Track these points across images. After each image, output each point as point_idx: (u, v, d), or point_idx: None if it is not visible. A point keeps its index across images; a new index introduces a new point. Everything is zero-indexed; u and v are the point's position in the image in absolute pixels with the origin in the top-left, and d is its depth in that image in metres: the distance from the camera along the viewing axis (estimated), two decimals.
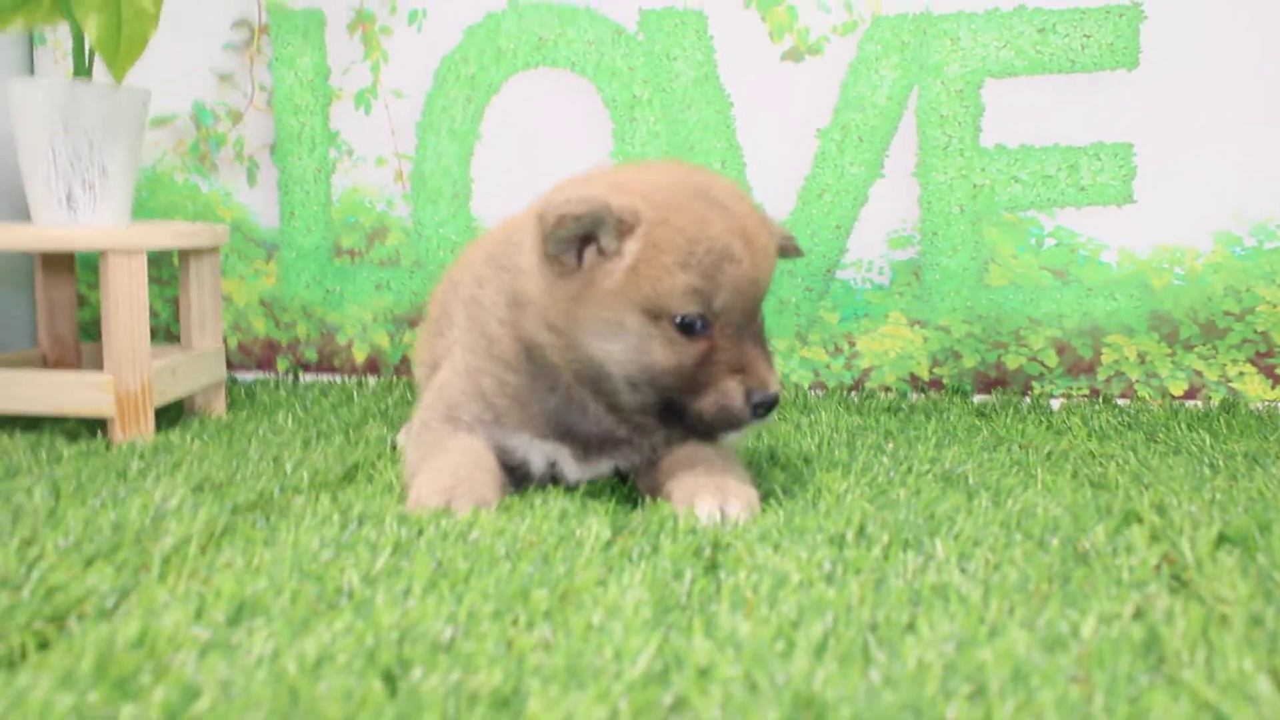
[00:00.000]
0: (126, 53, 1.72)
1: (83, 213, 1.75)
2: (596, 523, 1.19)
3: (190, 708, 0.77)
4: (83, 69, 1.77)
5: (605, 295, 1.25)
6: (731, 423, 1.26)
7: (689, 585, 1.02)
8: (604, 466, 1.41)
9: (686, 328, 1.24)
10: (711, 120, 2.11)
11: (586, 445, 1.38)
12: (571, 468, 1.39)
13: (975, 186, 2.06)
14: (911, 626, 0.93)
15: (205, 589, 1.01)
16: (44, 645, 0.93)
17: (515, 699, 0.78)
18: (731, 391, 1.25)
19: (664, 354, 1.24)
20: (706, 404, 1.26)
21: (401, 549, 1.11)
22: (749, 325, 1.28)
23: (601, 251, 1.25)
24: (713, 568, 1.08)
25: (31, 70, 2.25)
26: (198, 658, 0.86)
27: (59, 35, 2.24)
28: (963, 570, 1.05)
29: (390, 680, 0.81)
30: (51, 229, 1.71)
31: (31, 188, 1.76)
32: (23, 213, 2.19)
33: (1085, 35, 2.01)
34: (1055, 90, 2.03)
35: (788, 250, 1.39)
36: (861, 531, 1.16)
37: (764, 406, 1.26)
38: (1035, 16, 2.02)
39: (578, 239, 1.25)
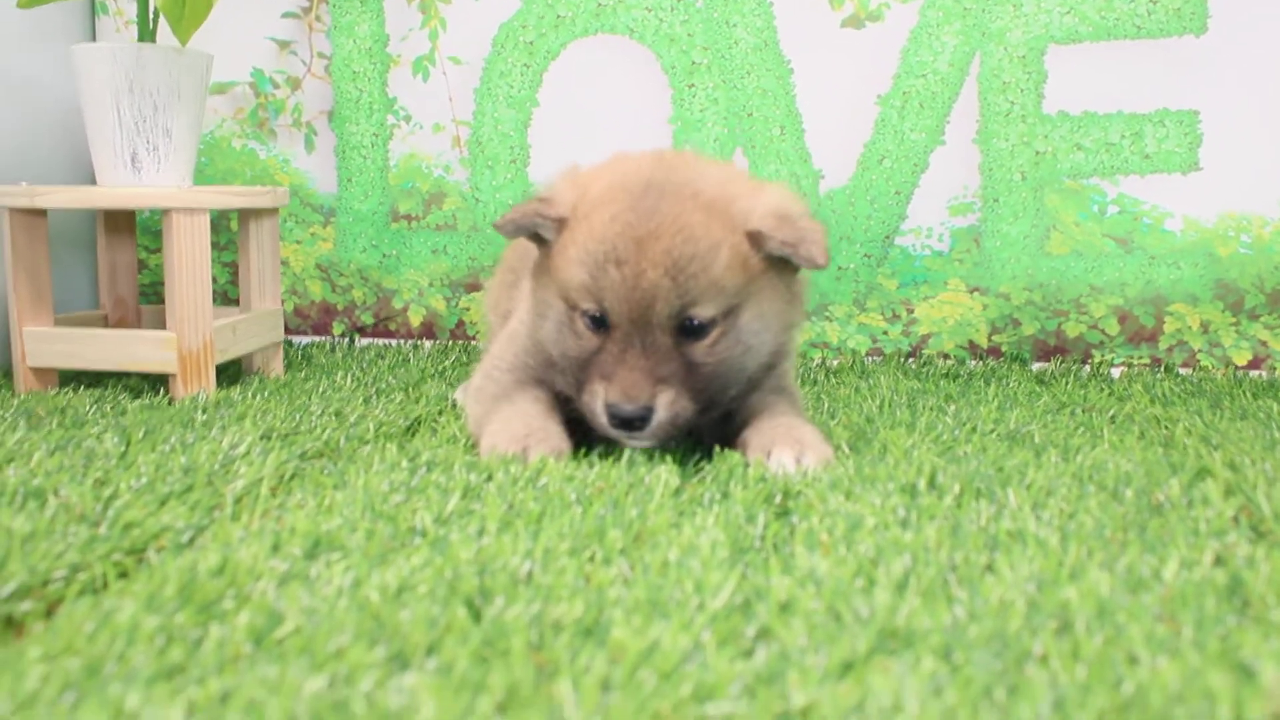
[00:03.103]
0: (191, 16, 1.73)
1: (147, 173, 1.76)
2: (665, 470, 1.19)
3: (275, 631, 0.77)
4: (147, 34, 1.79)
5: (545, 279, 1.32)
6: (599, 425, 1.26)
7: (762, 528, 1.02)
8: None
9: (593, 321, 1.27)
10: (771, 87, 2.10)
11: None
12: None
13: (1037, 153, 2.04)
14: (990, 567, 0.92)
15: (279, 527, 1.02)
16: (124, 575, 0.94)
17: (598, 628, 0.78)
18: (595, 395, 1.25)
19: (570, 342, 1.29)
20: (583, 400, 1.28)
21: (472, 492, 1.11)
22: (641, 333, 1.23)
23: (545, 241, 1.33)
24: (784, 513, 1.08)
25: (94, 39, 2.27)
26: (277, 587, 0.86)
27: (120, 4, 2.25)
28: (1037, 518, 1.04)
29: (473, 609, 0.81)
30: (117, 189, 1.73)
31: (97, 149, 1.77)
32: (86, 178, 2.21)
33: (1151, 0, 1.98)
34: (1120, 56, 2.01)
35: (787, 257, 1.26)
36: (932, 481, 1.15)
37: (618, 419, 1.23)
38: None
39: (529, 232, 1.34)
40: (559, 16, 2.14)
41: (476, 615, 0.80)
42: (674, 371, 1.23)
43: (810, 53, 2.10)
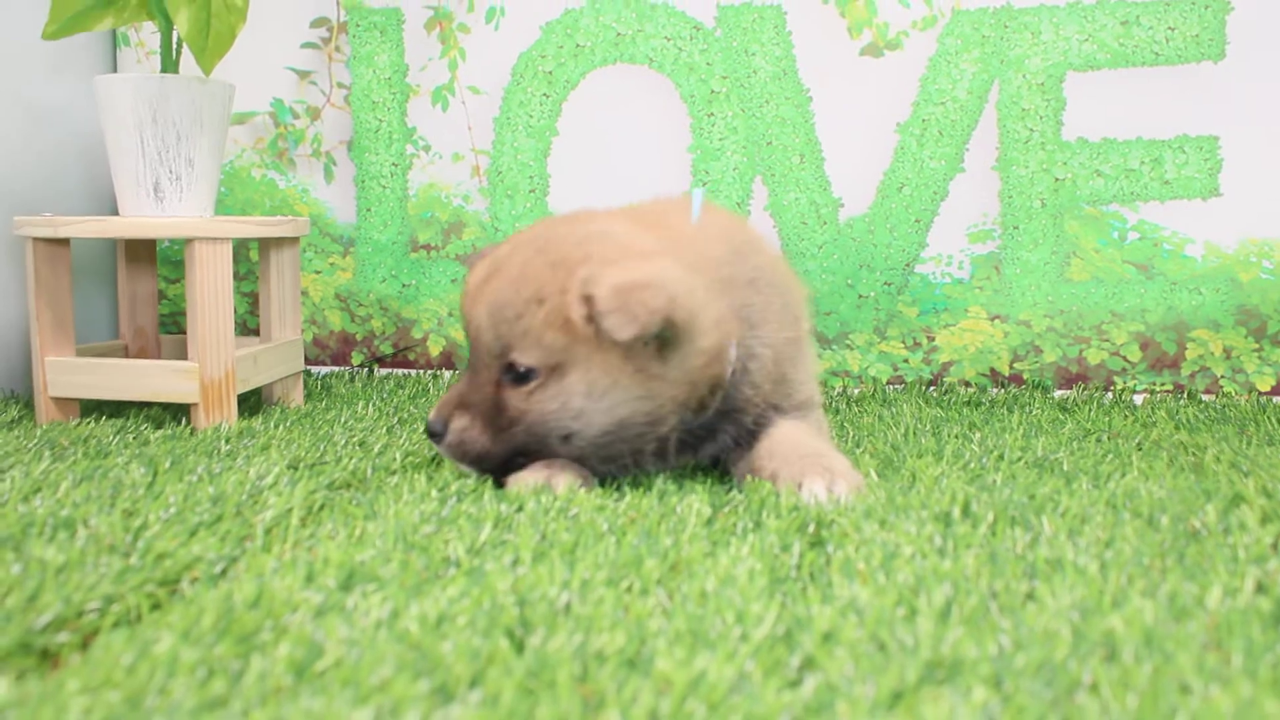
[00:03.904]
0: (215, 46, 1.74)
1: (169, 203, 1.77)
2: (696, 500, 1.18)
3: (316, 663, 0.76)
4: (170, 64, 1.79)
5: None
6: None
7: (798, 558, 1.01)
8: (685, 459, 1.40)
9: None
10: (790, 115, 2.10)
11: (677, 446, 1.38)
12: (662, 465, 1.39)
13: (1057, 180, 2.04)
14: (1032, 596, 0.91)
15: (312, 557, 1.01)
16: (157, 606, 0.94)
17: (641, 659, 0.77)
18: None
19: None
20: None
21: (503, 523, 1.11)
22: (475, 366, 1.32)
23: None
24: (819, 542, 1.07)
25: (115, 70, 2.28)
26: (314, 618, 0.86)
27: (142, 36, 2.27)
28: (1074, 545, 1.04)
29: (515, 640, 0.81)
30: (140, 219, 1.73)
31: (119, 179, 1.78)
32: (106, 208, 2.22)
33: (1170, 27, 1.98)
34: (1139, 83, 2.01)
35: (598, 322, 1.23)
36: (966, 510, 1.15)
37: (426, 430, 1.34)
38: (1118, 9, 2.00)
39: None
40: (578, 46, 2.15)
41: (519, 646, 0.79)
42: (479, 403, 1.30)
43: (829, 81, 2.10)
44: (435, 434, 1.31)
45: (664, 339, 1.23)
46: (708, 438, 1.38)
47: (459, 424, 1.30)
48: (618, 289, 1.19)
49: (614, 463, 1.31)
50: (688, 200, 1.43)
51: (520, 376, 1.26)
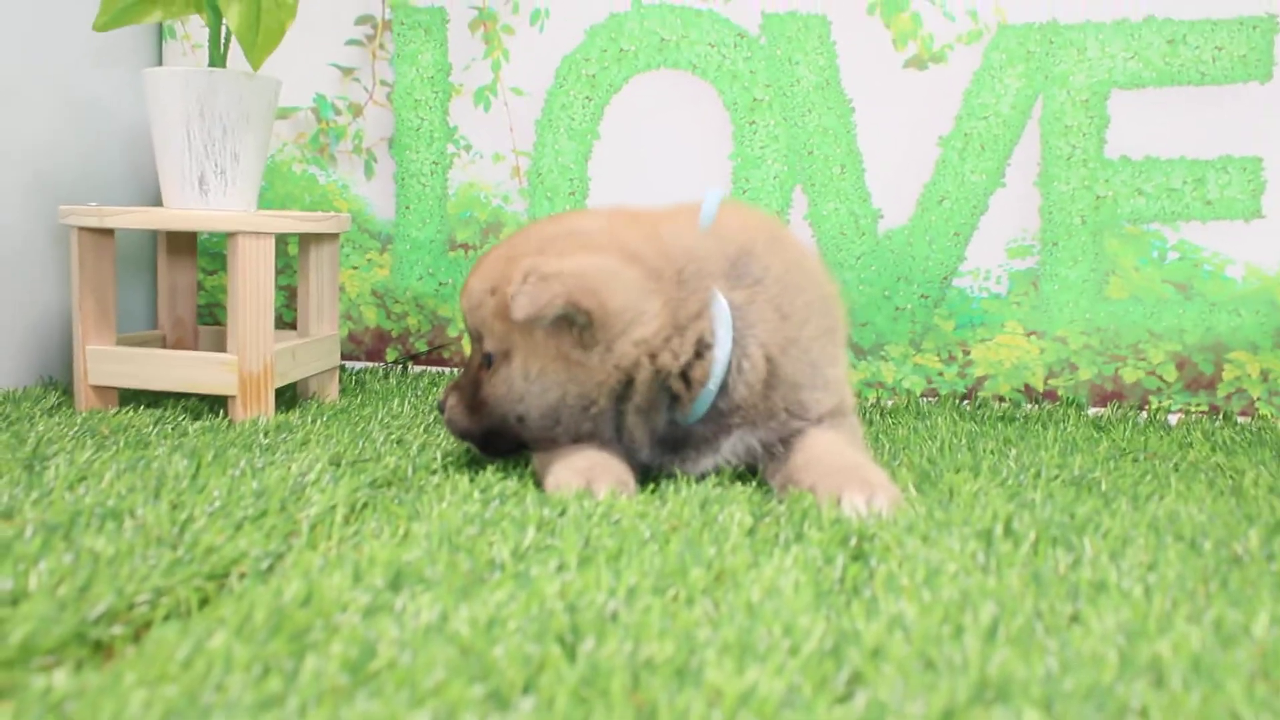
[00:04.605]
0: (264, 42, 1.75)
1: (214, 196, 1.78)
2: (738, 510, 1.19)
3: (369, 663, 0.77)
4: (218, 58, 1.81)
5: None
6: None
7: (841, 571, 1.01)
8: (705, 462, 1.41)
9: None
10: (832, 125, 2.11)
11: (673, 445, 1.40)
12: (660, 461, 1.41)
13: (1098, 198, 2.04)
14: (1077, 618, 0.91)
15: (359, 556, 1.02)
16: (206, 601, 0.95)
17: (690, 670, 0.78)
18: None
19: None
20: None
21: (546, 527, 1.11)
22: (471, 350, 1.44)
23: None
24: (860, 556, 1.07)
25: (161, 64, 2.29)
26: (364, 618, 0.87)
27: (188, 29, 2.28)
28: (1117, 568, 1.04)
29: (566, 647, 0.81)
30: (185, 211, 1.74)
31: (164, 172, 1.79)
32: (149, 199, 2.23)
33: (1217, 47, 1.98)
34: (1183, 102, 2.01)
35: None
36: (1008, 528, 1.15)
37: (438, 406, 1.48)
38: (1165, 27, 1.99)
39: None
40: (622, 50, 2.16)
41: (570, 653, 0.80)
42: (465, 385, 1.43)
43: (872, 92, 2.10)
44: (440, 409, 1.46)
45: (582, 326, 1.29)
46: (706, 443, 1.39)
47: (451, 402, 1.43)
48: (526, 275, 1.28)
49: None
50: (716, 206, 1.44)
51: (488, 361, 1.38)
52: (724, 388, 1.35)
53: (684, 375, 1.33)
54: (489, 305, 1.36)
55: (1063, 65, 2.03)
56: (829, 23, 2.10)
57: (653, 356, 1.31)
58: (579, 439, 1.36)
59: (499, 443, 1.42)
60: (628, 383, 1.32)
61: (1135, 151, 2.03)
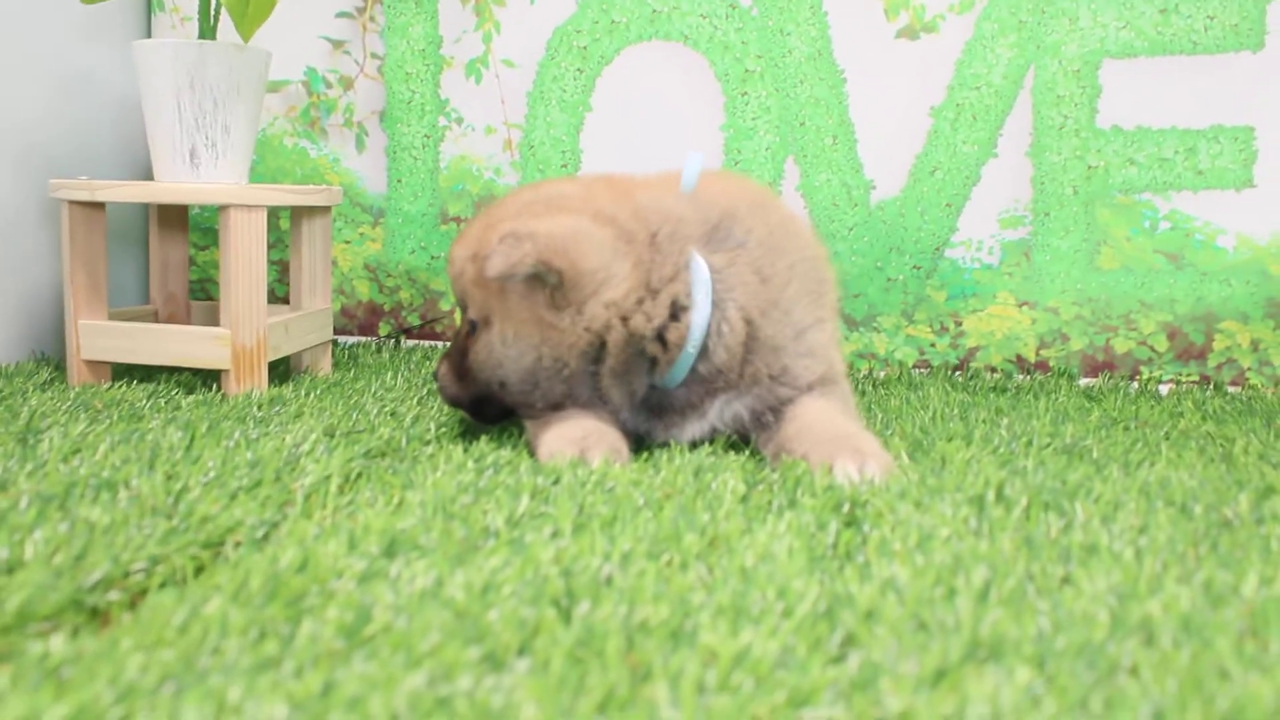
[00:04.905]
0: (255, 14, 1.74)
1: (205, 169, 1.77)
2: (731, 478, 1.19)
3: (365, 628, 0.78)
4: (207, 30, 1.80)
5: None
6: None
7: (834, 536, 1.02)
8: (692, 429, 1.42)
9: None
10: (824, 96, 2.10)
11: (658, 410, 1.41)
12: (647, 427, 1.43)
13: (1089, 168, 2.04)
14: (1068, 580, 0.92)
15: (353, 524, 1.02)
16: (201, 569, 0.95)
17: (685, 632, 0.78)
18: None
19: None
20: None
21: (540, 495, 1.12)
22: (462, 319, 1.44)
23: None
24: (853, 522, 1.08)
25: (150, 35, 2.28)
26: (359, 584, 0.87)
27: (176, 2, 2.27)
28: (1109, 532, 1.04)
29: (561, 610, 0.82)
30: (177, 184, 1.74)
31: (155, 145, 1.78)
32: (140, 173, 2.23)
33: (1209, 16, 1.98)
34: (1175, 72, 2.01)
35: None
36: (1000, 494, 1.15)
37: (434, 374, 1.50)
38: None
39: None
40: (613, 22, 2.15)
41: (565, 616, 0.80)
42: (454, 353, 1.44)
43: (864, 63, 2.10)
44: (435, 377, 1.47)
45: (554, 286, 1.30)
46: (692, 409, 1.40)
47: (442, 370, 1.45)
48: (502, 237, 1.30)
49: (561, 409, 1.38)
50: (698, 171, 1.44)
51: (472, 328, 1.39)
52: (705, 351, 1.36)
53: (660, 338, 1.34)
54: (469, 273, 1.37)
55: (1055, 35, 2.03)
56: None
57: (624, 319, 1.32)
58: (558, 404, 1.37)
59: (487, 409, 1.43)
60: (600, 345, 1.33)
61: (1127, 121, 2.03)
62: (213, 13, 1.80)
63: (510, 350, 1.35)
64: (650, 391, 1.39)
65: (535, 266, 1.28)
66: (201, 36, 1.79)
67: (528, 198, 1.41)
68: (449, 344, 1.44)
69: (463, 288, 1.40)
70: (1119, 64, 2.02)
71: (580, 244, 1.30)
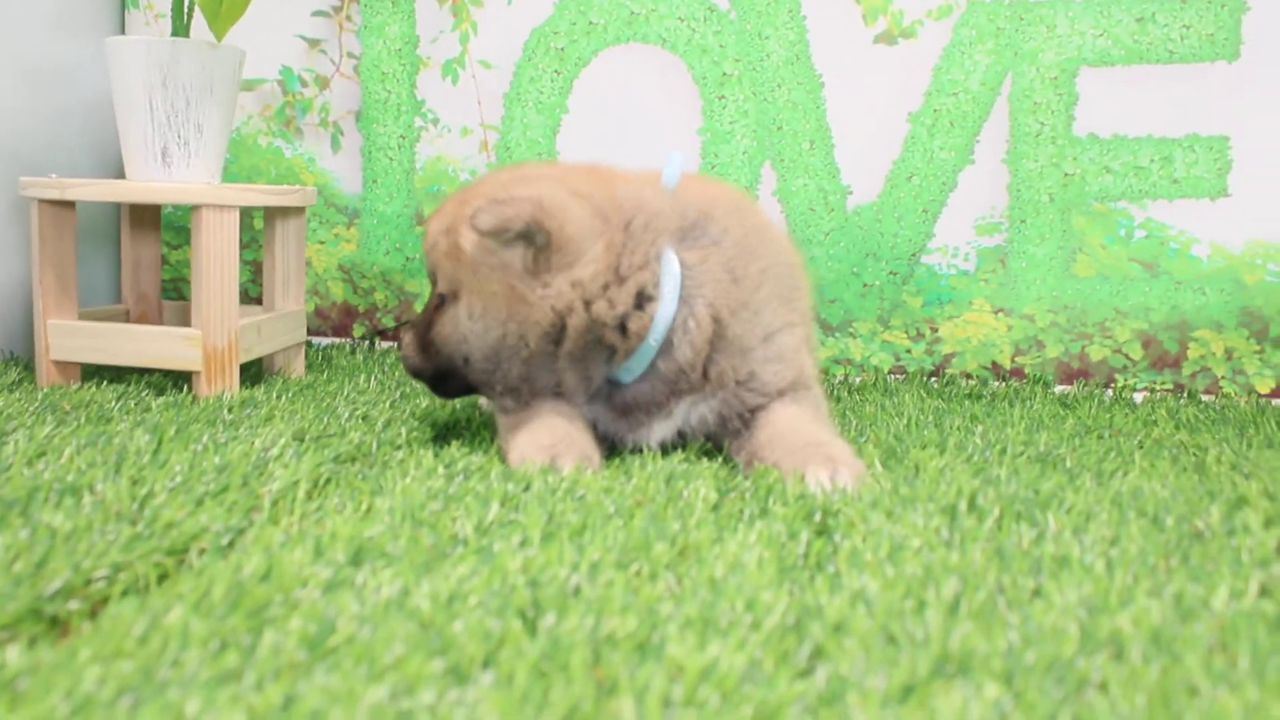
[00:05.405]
0: (229, 12, 1.73)
1: (177, 168, 1.76)
2: (702, 485, 1.19)
3: (328, 639, 0.77)
4: (180, 28, 1.78)
5: None
6: None
7: (805, 546, 1.01)
8: (660, 430, 1.41)
9: None
10: (801, 100, 2.10)
11: (623, 409, 1.40)
12: (614, 429, 1.42)
13: (1066, 175, 2.04)
14: (1039, 592, 0.92)
15: (320, 531, 1.01)
16: (165, 576, 0.94)
17: (652, 645, 0.78)
18: None
19: None
20: None
21: (510, 502, 1.11)
22: (431, 292, 1.43)
23: None
24: (824, 531, 1.07)
25: (123, 33, 2.26)
26: (324, 594, 0.86)
27: None
28: (1080, 543, 1.04)
29: (527, 621, 0.81)
30: (148, 184, 1.72)
31: (127, 143, 1.77)
32: (111, 171, 2.21)
33: (1185, 25, 1.98)
34: (1151, 80, 2.01)
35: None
36: (972, 503, 1.15)
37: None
38: (1134, 5, 1.99)
39: None
40: (591, 24, 2.14)
41: (531, 628, 0.80)
42: (418, 326, 1.43)
43: (842, 68, 2.10)
44: (399, 347, 1.46)
45: (540, 247, 1.30)
46: (657, 408, 1.39)
47: (406, 340, 1.44)
48: (493, 199, 1.30)
49: (517, 394, 1.38)
50: (680, 171, 1.43)
51: (441, 301, 1.38)
52: (669, 347, 1.35)
53: (622, 327, 1.33)
54: (442, 246, 1.37)
55: (1032, 42, 2.03)
56: None
57: (587, 303, 1.31)
58: (516, 388, 1.36)
59: (449, 384, 1.42)
60: (561, 328, 1.32)
61: (1103, 129, 2.03)
62: (186, 10, 1.78)
63: (476, 325, 1.34)
64: (612, 388, 1.38)
65: (528, 224, 1.27)
66: (175, 34, 1.78)
67: (505, 177, 1.41)
68: (417, 318, 1.45)
69: (435, 260, 1.39)
70: (1096, 72, 2.02)
71: (566, 210, 1.30)
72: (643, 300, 1.33)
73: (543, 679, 0.71)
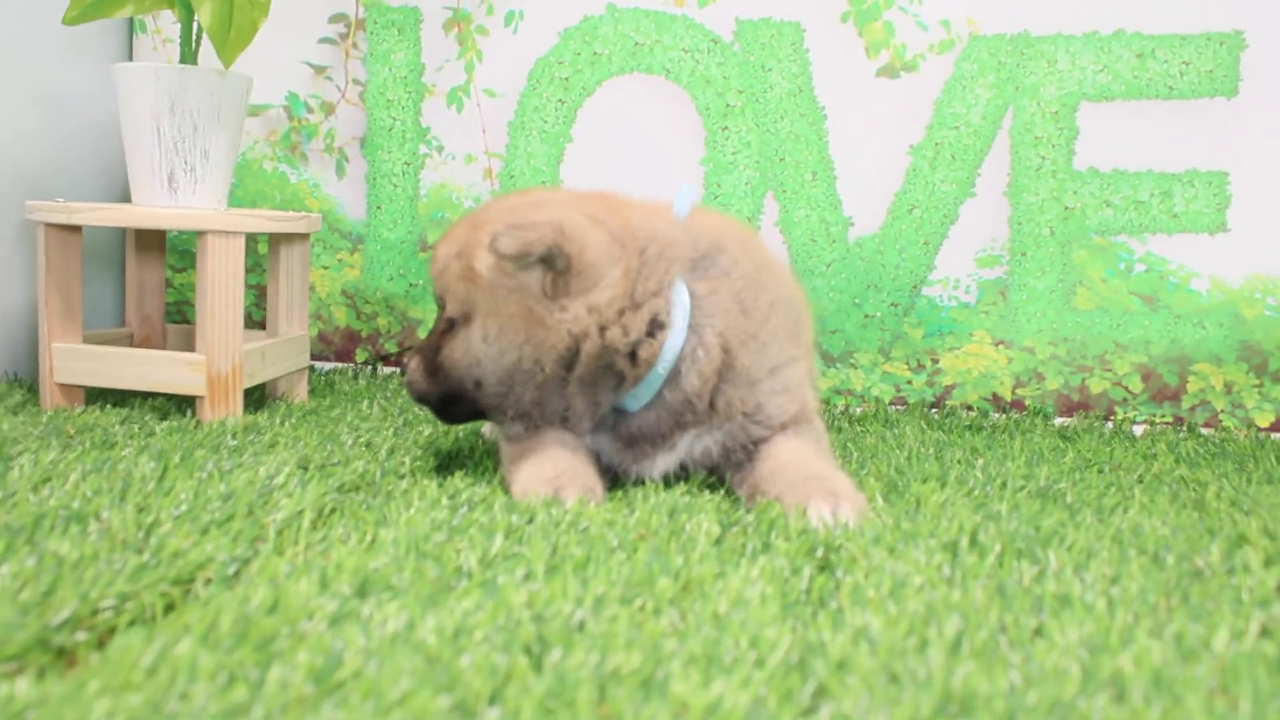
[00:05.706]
0: (236, 40, 1.74)
1: (183, 194, 1.77)
2: (705, 519, 1.19)
3: (335, 673, 0.77)
4: (189, 55, 1.80)
5: None
6: None
7: (808, 582, 1.02)
8: (663, 462, 1.42)
9: None
10: (804, 132, 2.11)
11: (627, 439, 1.41)
12: (618, 460, 1.42)
13: (1066, 209, 2.05)
14: (1040, 631, 0.92)
15: (325, 562, 1.02)
16: (171, 607, 0.94)
17: (656, 681, 0.78)
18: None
19: None
20: None
21: (514, 534, 1.11)
22: (438, 316, 1.42)
23: None
24: (826, 567, 1.08)
25: (131, 58, 2.28)
26: (330, 626, 0.86)
27: (159, 24, 2.27)
28: (1081, 581, 1.05)
29: (533, 657, 0.81)
30: (155, 209, 1.73)
31: (134, 168, 1.78)
32: (118, 195, 2.22)
33: (1184, 62, 2.00)
34: (1151, 116, 2.02)
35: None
36: (974, 540, 1.15)
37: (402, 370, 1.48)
38: (1134, 41, 2.01)
39: None
40: (595, 54, 2.16)
41: (537, 664, 0.80)
42: (425, 350, 1.41)
43: (845, 100, 2.11)
44: (403, 372, 1.45)
45: (560, 271, 1.30)
46: (662, 439, 1.40)
47: (412, 365, 1.42)
48: (512, 223, 1.30)
49: (528, 419, 1.38)
50: (690, 203, 1.45)
51: (450, 325, 1.37)
52: (676, 377, 1.36)
53: (633, 354, 1.33)
54: (454, 269, 1.36)
55: (1033, 77, 2.05)
56: (802, 30, 2.10)
57: (602, 329, 1.32)
58: (526, 413, 1.36)
59: (455, 409, 1.42)
60: (575, 353, 1.32)
61: (1104, 163, 2.04)
62: (195, 37, 1.80)
63: (491, 348, 1.33)
64: (618, 418, 1.39)
65: (549, 249, 1.28)
66: (183, 61, 1.79)
67: (515, 202, 1.41)
68: (423, 342, 1.44)
69: (445, 284, 1.38)
70: (1096, 107, 2.04)
71: (586, 235, 1.30)
72: (655, 328, 1.33)
73: (549, 716, 0.72)
